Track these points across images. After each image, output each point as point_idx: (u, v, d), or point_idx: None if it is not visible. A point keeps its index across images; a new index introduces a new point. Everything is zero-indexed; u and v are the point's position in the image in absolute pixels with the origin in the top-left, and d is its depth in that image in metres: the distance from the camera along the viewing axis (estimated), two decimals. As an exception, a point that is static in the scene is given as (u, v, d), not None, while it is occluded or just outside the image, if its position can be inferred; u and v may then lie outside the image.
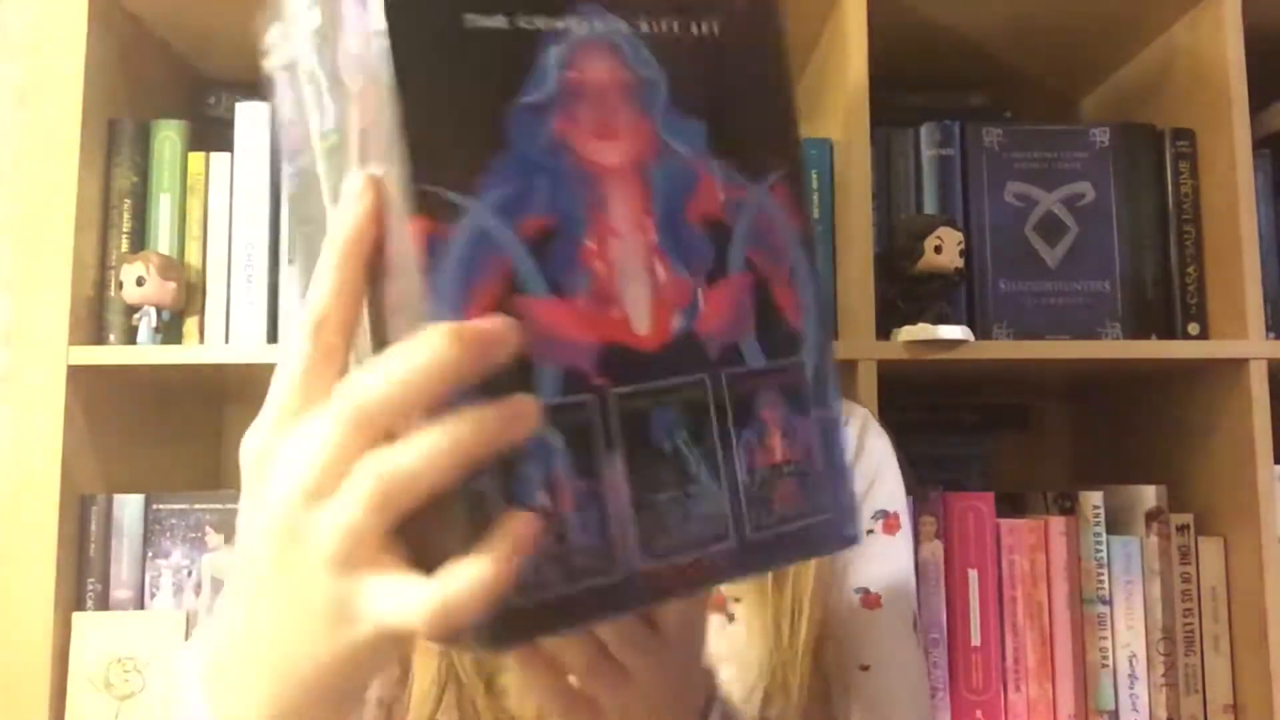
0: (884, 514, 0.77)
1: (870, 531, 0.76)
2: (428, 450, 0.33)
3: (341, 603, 0.35)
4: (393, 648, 0.37)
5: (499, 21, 0.35)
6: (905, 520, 0.78)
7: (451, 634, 0.33)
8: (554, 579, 0.35)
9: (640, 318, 0.37)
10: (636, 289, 0.37)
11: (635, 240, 0.37)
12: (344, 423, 0.34)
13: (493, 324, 0.33)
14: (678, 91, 0.38)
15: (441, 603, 0.33)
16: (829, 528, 0.40)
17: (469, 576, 0.33)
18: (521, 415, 0.33)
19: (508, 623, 0.34)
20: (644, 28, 0.38)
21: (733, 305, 0.39)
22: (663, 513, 0.37)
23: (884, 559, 0.75)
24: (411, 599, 0.34)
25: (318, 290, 0.36)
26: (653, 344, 0.37)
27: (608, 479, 0.36)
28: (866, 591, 0.74)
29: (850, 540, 0.40)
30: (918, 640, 0.76)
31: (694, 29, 0.39)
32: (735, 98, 0.40)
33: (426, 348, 0.32)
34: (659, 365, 0.37)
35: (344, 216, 0.35)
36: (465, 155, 0.34)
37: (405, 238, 0.33)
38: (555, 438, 0.35)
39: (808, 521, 0.40)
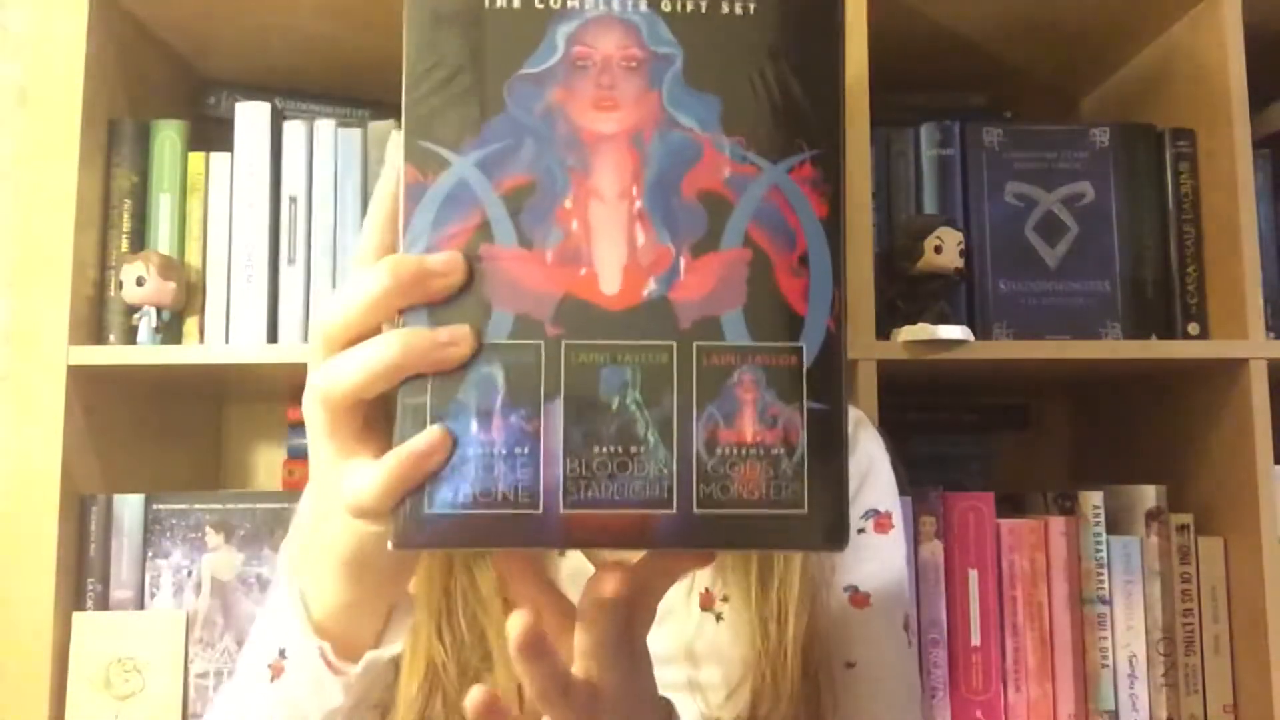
0: (875, 513, 0.77)
1: (861, 530, 0.76)
2: (360, 357, 0.39)
3: (336, 488, 0.42)
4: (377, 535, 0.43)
5: (516, 2, 0.39)
6: (898, 520, 0.78)
7: (367, 519, 0.40)
8: (473, 499, 0.38)
9: (610, 278, 0.39)
10: (610, 250, 0.39)
11: (617, 205, 0.39)
12: (314, 343, 0.42)
13: (435, 259, 0.38)
14: (693, 67, 0.39)
15: (351, 492, 0.39)
16: (804, 525, 0.39)
17: (371, 473, 0.38)
18: (454, 340, 0.38)
19: (416, 526, 0.38)
20: (664, 6, 0.39)
21: (718, 278, 0.39)
22: (596, 464, 0.38)
23: (874, 558, 0.75)
24: (348, 485, 0.40)
25: (365, 234, 0.43)
26: (617, 304, 0.39)
27: (545, 421, 0.38)
28: (855, 590, 0.73)
29: (831, 545, 0.39)
30: (908, 640, 0.76)
31: (724, 7, 0.40)
32: (760, 77, 0.40)
33: (371, 276, 0.39)
34: (622, 325, 0.39)
35: (386, 174, 0.42)
36: (460, 117, 0.39)
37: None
38: (498, 374, 0.38)
39: (774, 512, 0.39)
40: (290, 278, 1.09)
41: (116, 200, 1.09)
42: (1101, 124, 1.15)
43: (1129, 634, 1.07)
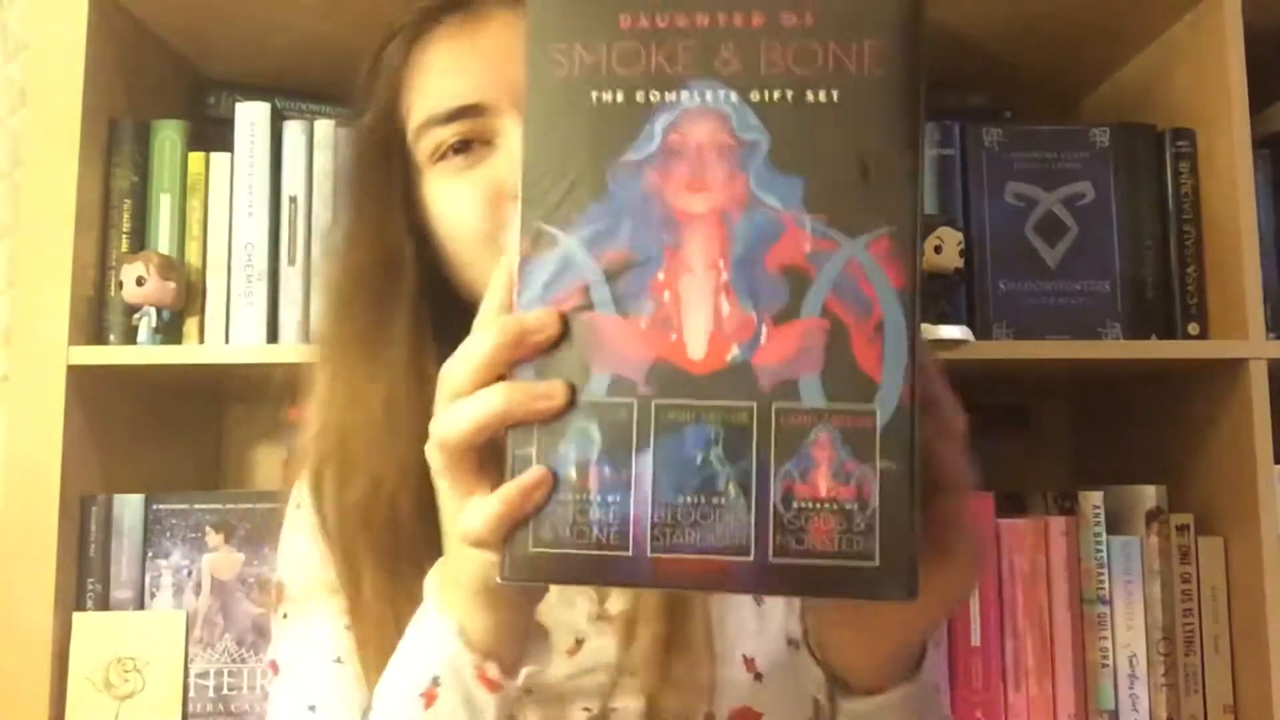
0: None
1: None
2: (471, 406, 0.44)
3: (455, 522, 0.46)
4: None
5: (620, 97, 0.44)
6: None
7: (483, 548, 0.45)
8: (571, 540, 0.43)
9: (697, 344, 0.43)
10: (698, 319, 0.43)
11: (705, 277, 0.43)
12: (438, 394, 0.47)
13: (532, 315, 0.43)
14: (779, 151, 0.43)
15: (466, 525, 0.44)
16: (873, 576, 0.41)
17: (482, 507, 0.43)
18: (550, 395, 0.43)
19: (521, 561, 0.43)
20: (754, 97, 0.44)
21: (797, 345, 0.42)
22: (680, 513, 0.42)
23: None
24: (464, 519, 0.44)
25: (485, 301, 0.48)
26: (703, 368, 0.43)
27: (636, 472, 0.43)
28: None
29: (901, 595, 0.42)
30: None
31: (809, 96, 0.44)
32: (841, 159, 0.43)
33: (484, 334, 0.44)
34: (707, 387, 0.43)
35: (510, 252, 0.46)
36: (569, 200, 0.44)
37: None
38: (594, 430, 0.43)
39: (845, 563, 0.41)
40: (290, 278, 1.09)
41: (116, 200, 1.09)
42: (1101, 124, 1.15)
43: (1129, 634, 1.07)
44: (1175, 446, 1.17)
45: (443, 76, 0.70)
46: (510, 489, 0.43)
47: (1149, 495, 1.09)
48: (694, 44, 0.44)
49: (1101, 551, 1.08)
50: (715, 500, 0.42)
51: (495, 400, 0.43)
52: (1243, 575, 1.07)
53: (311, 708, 0.68)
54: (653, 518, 0.43)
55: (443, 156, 0.70)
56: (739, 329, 0.43)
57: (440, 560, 0.56)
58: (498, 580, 0.44)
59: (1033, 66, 1.30)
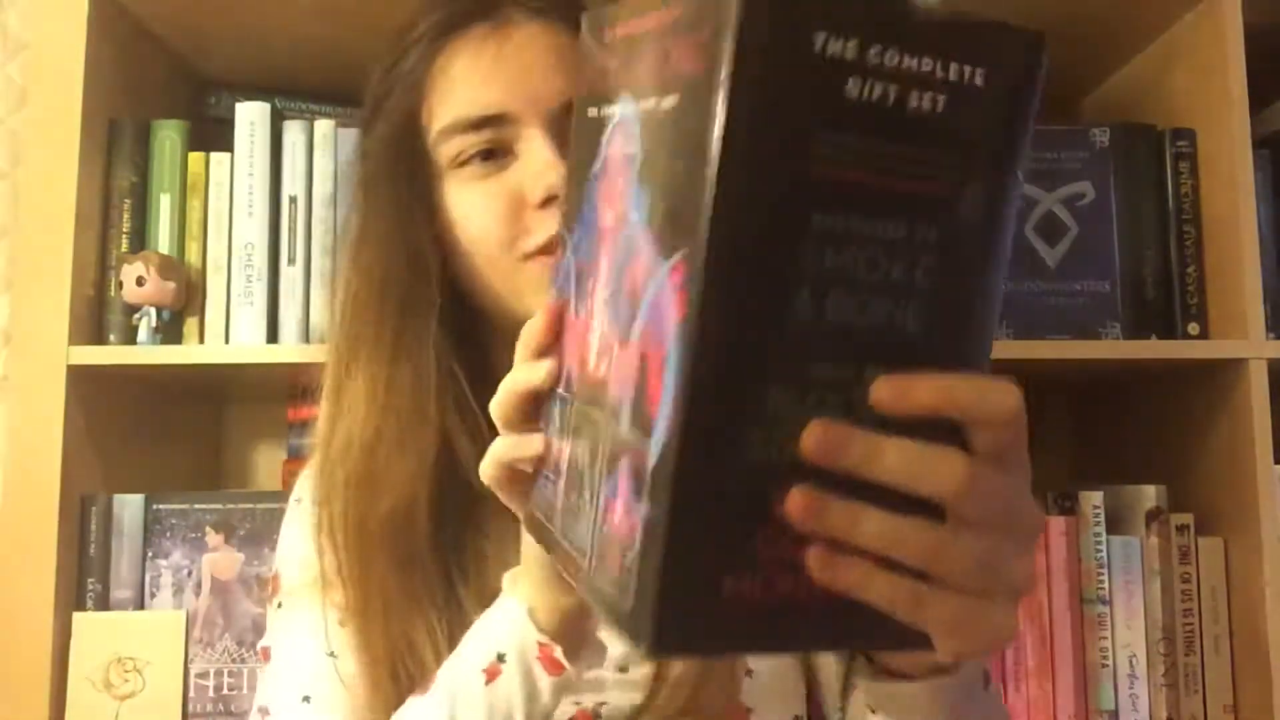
0: None
1: None
2: (504, 444, 0.51)
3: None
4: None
5: (594, 112, 0.46)
6: None
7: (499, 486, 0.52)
8: (542, 508, 0.49)
9: (591, 355, 0.44)
10: (595, 331, 0.44)
11: (599, 293, 0.44)
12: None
13: (539, 368, 0.49)
14: (644, 164, 0.41)
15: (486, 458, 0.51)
16: (627, 620, 0.38)
17: (496, 446, 0.51)
18: (529, 445, 0.50)
19: (527, 519, 0.51)
20: (640, 106, 0.41)
21: (626, 370, 0.40)
22: (572, 505, 0.44)
23: None
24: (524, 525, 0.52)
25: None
26: (591, 379, 0.44)
27: (565, 458, 0.46)
28: None
29: (639, 645, 0.37)
30: None
31: (659, 104, 0.39)
32: (673, 172, 0.38)
33: (512, 375, 0.51)
34: (593, 396, 0.43)
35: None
36: (570, 210, 0.49)
37: None
38: (556, 415, 0.48)
39: (616, 598, 0.39)
40: (290, 278, 1.09)
41: (116, 200, 1.09)
42: (1101, 124, 1.15)
43: (1129, 634, 1.07)
44: (1175, 446, 1.17)
45: (469, 85, 0.70)
46: (509, 439, 0.50)
47: (1149, 495, 1.09)
48: (628, 53, 0.43)
49: (1101, 551, 1.08)
50: (581, 503, 0.43)
51: (503, 447, 0.51)
52: (1243, 575, 1.07)
53: (306, 699, 0.68)
54: (560, 503, 0.46)
55: (465, 162, 0.71)
56: (606, 346, 0.43)
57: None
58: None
59: (1033, 66, 1.30)
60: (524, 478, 0.51)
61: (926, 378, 0.37)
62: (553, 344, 0.49)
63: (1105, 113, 1.35)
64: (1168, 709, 1.06)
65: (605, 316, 0.43)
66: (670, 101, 0.38)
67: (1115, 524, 1.10)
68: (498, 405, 0.51)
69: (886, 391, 0.36)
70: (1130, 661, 1.07)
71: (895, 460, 0.36)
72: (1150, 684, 1.07)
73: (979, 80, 0.37)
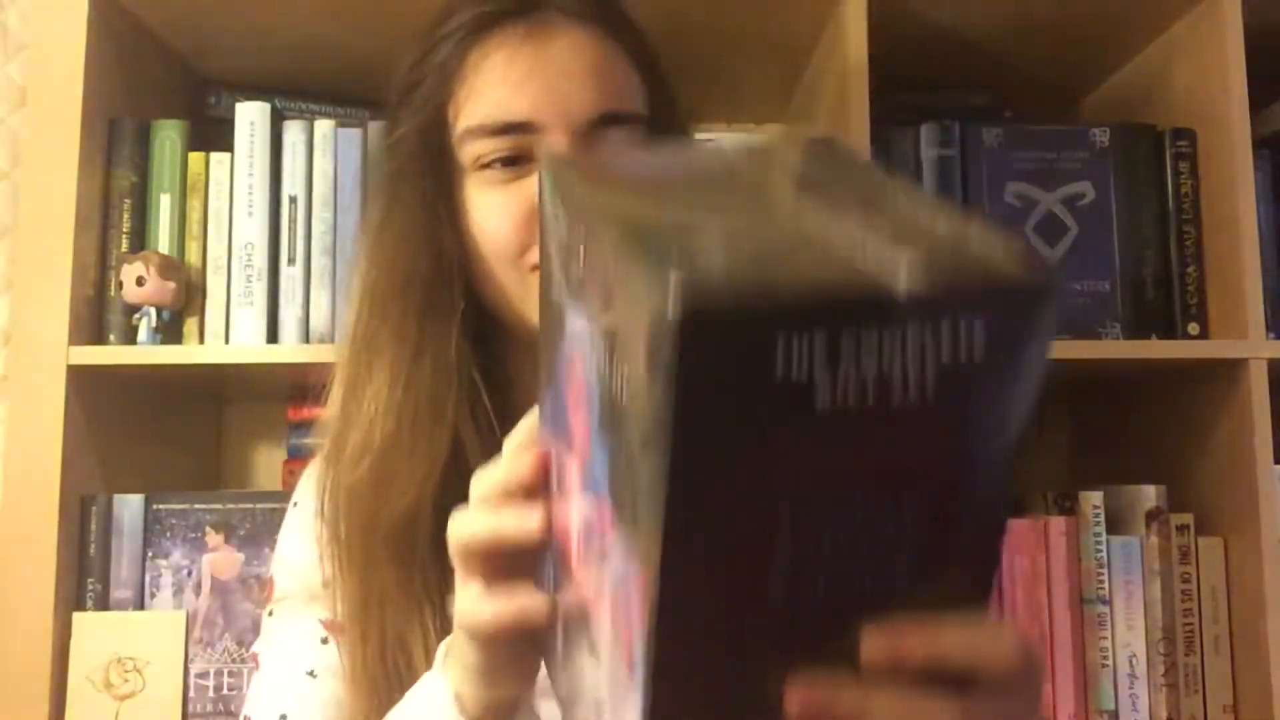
0: None
1: None
2: (472, 522, 0.47)
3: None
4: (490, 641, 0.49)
5: (555, 296, 0.42)
6: None
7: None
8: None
9: (574, 546, 0.44)
10: (574, 524, 0.43)
11: (574, 491, 0.42)
12: (472, 491, 0.49)
13: (523, 466, 0.46)
14: (601, 412, 0.37)
15: (457, 609, 0.48)
16: None
17: (479, 604, 0.47)
18: (526, 524, 0.45)
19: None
20: (595, 325, 0.38)
21: (601, 614, 0.40)
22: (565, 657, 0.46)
23: None
24: (458, 603, 0.48)
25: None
26: (575, 581, 0.43)
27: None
28: None
29: None
30: None
31: (614, 344, 0.36)
32: (627, 441, 0.34)
33: (505, 461, 0.47)
34: (578, 602, 0.43)
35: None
36: (546, 373, 0.45)
37: None
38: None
39: None
40: (290, 278, 1.09)
41: (116, 200, 1.09)
42: (1101, 124, 1.15)
43: (1129, 634, 1.07)
44: (1175, 446, 1.17)
45: (498, 87, 0.69)
46: (509, 607, 0.46)
47: (1149, 495, 1.09)
48: (581, 251, 0.39)
49: (1101, 551, 1.08)
50: (579, 662, 0.44)
51: (486, 523, 0.46)
52: (1243, 575, 1.07)
53: (283, 717, 0.69)
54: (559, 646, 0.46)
55: (486, 165, 0.70)
56: (583, 556, 0.44)
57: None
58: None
59: (1032, 66, 1.30)
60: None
61: (917, 631, 0.35)
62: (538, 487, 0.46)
63: (1105, 113, 1.35)
64: (1168, 709, 1.06)
65: (581, 526, 0.40)
66: (621, 366, 0.32)
67: (1115, 524, 1.10)
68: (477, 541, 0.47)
69: (877, 651, 0.35)
70: (1130, 661, 1.07)
71: (884, 715, 0.35)
72: (1150, 684, 1.07)
73: (977, 356, 0.30)
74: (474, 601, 0.47)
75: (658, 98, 0.74)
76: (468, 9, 0.71)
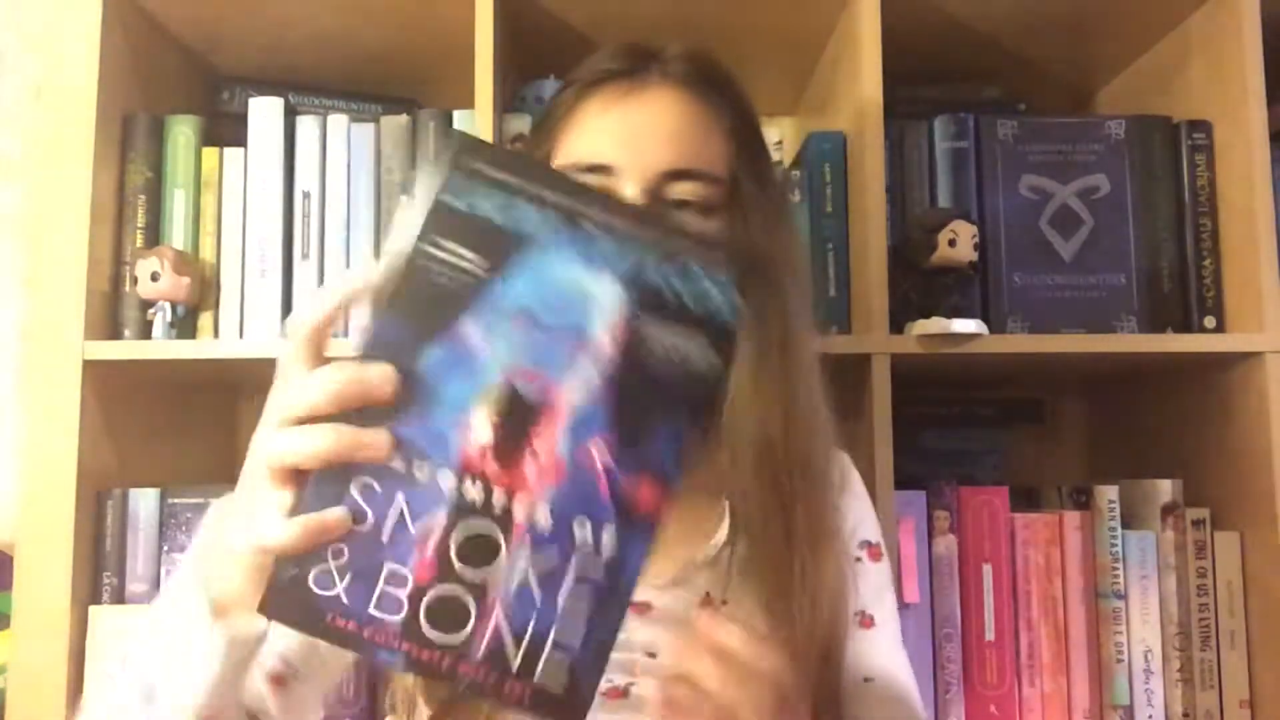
0: (868, 544, 0.84)
1: (859, 560, 0.83)
2: (306, 441, 0.49)
3: (251, 516, 0.51)
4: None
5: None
6: (883, 548, 0.85)
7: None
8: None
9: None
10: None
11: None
12: (267, 414, 0.52)
13: (374, 371, 0.50)
14: None
15: (258, 532, 0.50)
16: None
17: (282, 525, 0.49)
18: (374, 443, 0.49)
19: (289, 601, 0.49)
20: None
21: None
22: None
23: (872, 584, 0.82)
24: (259, 524, 0.50)
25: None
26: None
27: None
28: (863, 614, 0.81)
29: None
30: (905, 651, 0.83)
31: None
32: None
33: (327, 374, 0.50)
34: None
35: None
36: None
37: None
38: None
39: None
40: (304, 272, 1.09)
41: (131, 196, 1.09)
42: (1117, 116, 1.14)
43: (1144, 629, 1.07)
44: (1191, 440, 1.17)
45: (591, 132, 0.78)
46: (312, 520, 0.49)
47: (1164, 489, 1.09)
48: None
49: (1116, 546, 1.08)
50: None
51: (325, 441, 0.49)
52: (1259, 569, 1.06)
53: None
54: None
55: None
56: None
57: (207, 520, 0.61)
58: (255, 609, 0.49)
59: (1047, 59, 1.30)
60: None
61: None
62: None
63: (1121, 105, 1.34)
64: (1183, 704, 1.06)
65: None
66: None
67: (1131, 518, 1.09)
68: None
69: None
70: (1145, 656, 1.07)
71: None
72: (1166, 679, 1.07)
73: None
74: (283, 514, 0.50)
75: (745, 164, 0.80)
76: (588, 65, 0.81)
